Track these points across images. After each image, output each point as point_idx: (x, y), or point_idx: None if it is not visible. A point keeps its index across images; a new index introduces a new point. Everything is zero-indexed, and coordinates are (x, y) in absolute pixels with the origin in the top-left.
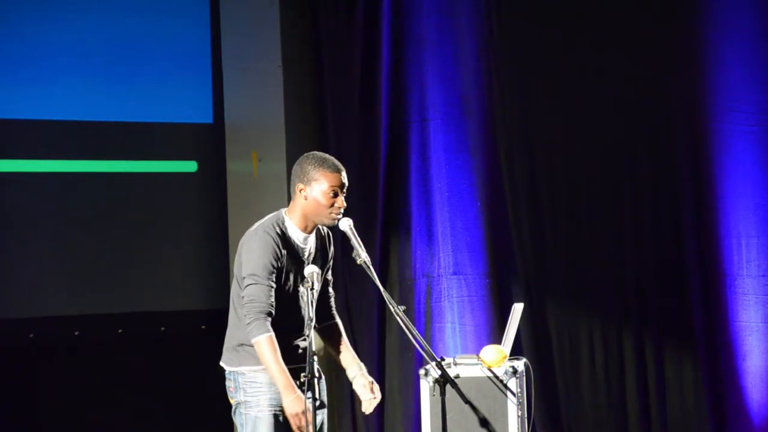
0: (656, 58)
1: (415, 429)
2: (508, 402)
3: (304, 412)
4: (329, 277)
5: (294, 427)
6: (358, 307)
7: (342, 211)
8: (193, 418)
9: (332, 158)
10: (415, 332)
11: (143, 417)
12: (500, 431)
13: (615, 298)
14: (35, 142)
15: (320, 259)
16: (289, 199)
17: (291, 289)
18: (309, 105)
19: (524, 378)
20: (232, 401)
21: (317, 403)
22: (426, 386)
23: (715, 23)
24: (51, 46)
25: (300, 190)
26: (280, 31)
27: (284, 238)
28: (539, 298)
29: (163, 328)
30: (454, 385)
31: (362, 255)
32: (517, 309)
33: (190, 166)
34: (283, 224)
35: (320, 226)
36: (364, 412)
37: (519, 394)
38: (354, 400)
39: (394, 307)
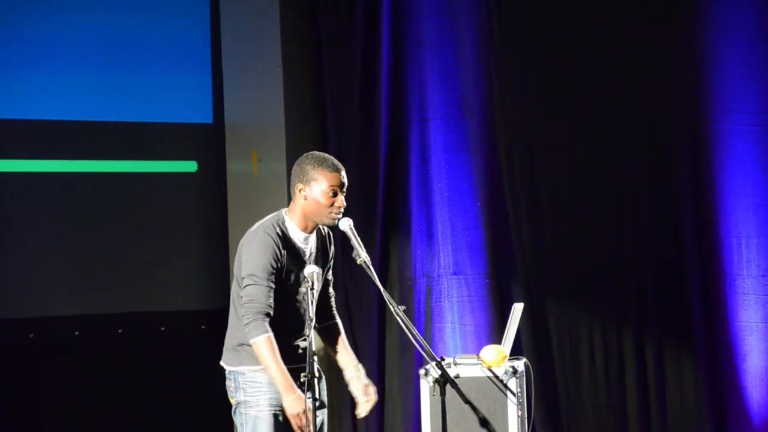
0: (656, 58)
1: (415, 429)
2: (508, 402)
3: (305, 412)
4: (330, 277)
5: (295, 426)
6: (358, 307)
7: (342, 210)
8: (193, 418)
9: (332, 158)
10: (415, 332)
11: (143, 417)
12: (500, 431)
13: (615, 298)
14: (35, 142)
15: (321, 258)
16: (289, 199)
17: (292, 289)
18: (309, 105)
19: (524, 378)
20: (232, 401)
21: (317, 403)
22: (426, 386)
23: (715, 23)
24: (51, 46)
25: (300, 190)
26: (280, 31)
27: (285, 239)
28: (539, 298)
29: (163, 328)
30: (454, 385)
31: (362, 255)
32: (517, 309)
33: (190, 166)
34: (283, 224)
35: (321, 226)
36: (358, 414)
37: (519, 394)
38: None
39: (394, 307)
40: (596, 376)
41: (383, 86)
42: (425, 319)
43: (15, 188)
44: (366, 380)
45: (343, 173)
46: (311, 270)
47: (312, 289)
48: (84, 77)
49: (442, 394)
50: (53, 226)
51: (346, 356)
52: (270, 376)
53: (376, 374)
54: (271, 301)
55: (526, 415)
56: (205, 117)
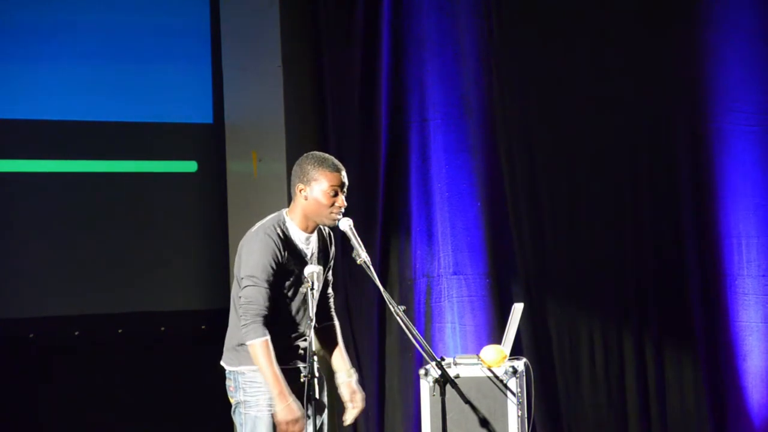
0: (656, 58)
1: (415, 429)
2: (508, 402)
3: (295, 421)
4: (329, 277)
5: None
6: (358, 307)
7: (342, 210)
8: (193, 418)
9: (332, 158)
10: (415, 332)
11: (143, 417)
12: (500, 431)
13: (615, 298)
14: (35, 142)
15: (322, 259)
16: (290, 199)
17: (292, 289)
18: (309, 105)
19: (524, 378)
20: (232, 401)
21: (317, 403)
22: (426, 386)
23: (715, 23)
24: (51, 46)
25: (300, 191)
26: (280, 31)
27: (285, 240)
28: (539, 298)
29: (163, 328)
30: (454, 385)
31: (362, 255)
32: (517, 309)
33: (190, 166)
34: (284, 225)
35: (322, 226)
36: (344, 421)
37: (519, 394)
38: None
39: (394, 307)
40: (596, 376)
41: (383, 86)
42: (425, 319)
43: (15, 188)
44: (356, 387)
45: (344, 173)
46: (311, 270)
47: (312, 289)
48: (84, 77)
49: (442, 394)
50: (53, 226)
51: (340, 360)
52: (264, 380)
53: (376, 374)
54: (270, 303)
55: (526, 415)
56: (205, 117)
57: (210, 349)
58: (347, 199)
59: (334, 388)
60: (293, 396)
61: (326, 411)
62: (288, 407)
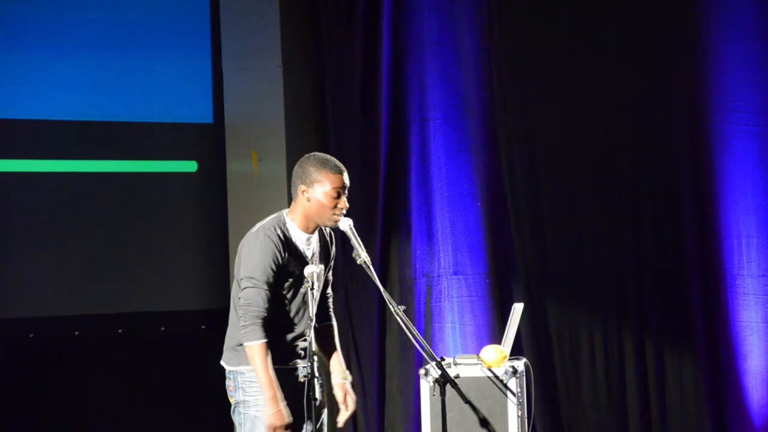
0: (656, 58)
1: (415, 429)
2: (508, 402)
3: (284, 427)
4: (329, 276)
5: None
6: (359, 307)
7: (344, 211)
8: (193, 418)
9: (334, 159)
10: (415, 332)
11: (143, 417)
12: (500, 431)
13: (615, 298)
14: (35, 142)
15: (323, 259)
16: (290, 199)
17: (292, 290)
18: (309, 105)
19: (524, 378)
20: (232, 400)
21: (317, 403)
22: (426, 386)
23: (716, 23)
24: (51, 46)
25: (302, 192)
26: (280, 31)
27: (286, 241)
28: (539, 298)
29: (163, 328)
30: (454, 385)
31: (362, 255)
32: (517, 309)
33: (190, 166)
34: (284, 226)
35: (322, 226)
36: (337, 423)
37: (519, 394)
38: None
39: (394, 307)
40: (596, 376)
41: (383, 86)
42: (425, 319)
43: (15, 188)
44: (349, 389)
45: (346, 174)
46: (311, 270)
47: (312, 289)
48: (84, 77)
49: (442, 394)
50: (53, 226)
51: (336, 361)
52: (258, 382)
53: (376, 374)
54: (269, 304)
55: (526, 415)
56: (205, 117)
57: (210, 349)
58: (347, 199)
59: (330, 387)
60: (284, 402)
61: (326, 410)
62: (278, 413)
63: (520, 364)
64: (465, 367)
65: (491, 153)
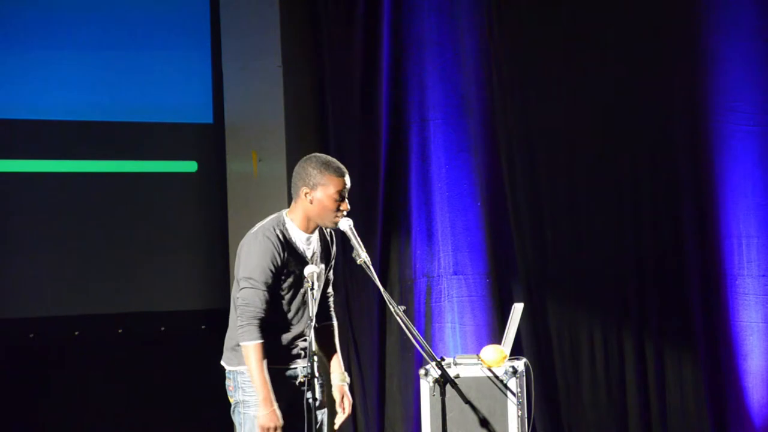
0: (656, 58)
1: (415, 429)
2: (508, 402)
3: (276, 429)
4: (330, 275)
5: None
6: (359, 307)
7: (345, 213)
8: (193, 418)
9: (336, 161)
10: (415, 332)
11: (143, 417)
12: (500, 431)
13: (615, 298)
14: (35, 142)
15: (323, 258)
16: (290, 199)
17: (292, 290)
18: (309, 105)
19: (524, 378)
20: (231, 400)
21: (317, 402)
22: (426, 386)
23: (716, 23)
24: (51, 46)
25: (305, 194)
26: (280, 31)
27: (285, 241)
28: (539, 298)
29: (163, 328)
30: (454, 385)
31: (362, 255)
32: (517, 309)
33: (190, 166)
34: (283, 226)
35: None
36: (333, 424)
37: (519, 394)
38: (354, 400)
39: (394, 307)
40: (596, 376)
41: (383, 86)
42: (425, 319)
43: (15, 188)
44: (347, 392)
45: (347, 176)
46: (311, 270)
47: (312, 289)
48: (84, 77)
49: (442, 394)
50: (53, 226)
51: (335, 362)
52: (252, 382)
53: (376, 374)
54: (266, 305)
55: (526, 415)
56: (205, 117)
57: (210, 349)
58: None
59: (329, 387)
60: (277, 404)
61: (326, 410)
62: (271, 414)
63: (520, 364)
64: (465, 367)
65: (491, 153)
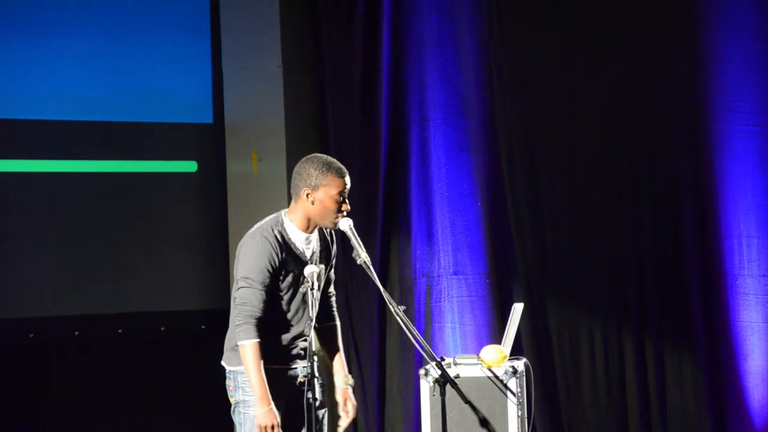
0: (656, 59)
1: (415, 429)
2: (508, 402)
3: (273, 427)
4: (331, 275)
5: None
6: (359, 307)
7: (346, 213)
8: (193, 417)
9: (337, 162)
10: (415, 332)
11: (143, 417)
12: (500, 431)
13: (615, 298)
14: (35, 142)
15: (324, 258)
16: (290, 199)
17: (291, 290)
18: (309, 105)
19: (524, 378)
20: (232, 400)
21: (317, 402)
22: (426, 386)
23: (716, 23)
24: (51, 47)
25: (307, 195)
26: (280, 31)
27: (283, 241)
28: (539, 298)
29: (163, 328)
30: (454, 385)
31: (362, 255)
32: (517, 309)
33: (190, 166)
34: (282, 226)
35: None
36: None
37: (519, 394)
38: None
39: (394, 307)
40: (596, 376)
41: (383, 86)
42: (425, 319)
43: (15, 188)
44: (350, 395)
45: (348, 177)
46: (311, 270)
47: (312, 289)
48: (84, 77)
49: (442, 394)
50: (53, 226)
51: (339, 362)
52: (249, 381)
53: (376, 374)
54: (264, 304)
55: (526, 415)
56: (205, 117)
57: (210, 349)
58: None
59: (331, 387)
60: (273, 403)
61: (326, 410)
62: (269, 412)
63: (520, 364)
64: (465, 367)
65: (491, 153)
